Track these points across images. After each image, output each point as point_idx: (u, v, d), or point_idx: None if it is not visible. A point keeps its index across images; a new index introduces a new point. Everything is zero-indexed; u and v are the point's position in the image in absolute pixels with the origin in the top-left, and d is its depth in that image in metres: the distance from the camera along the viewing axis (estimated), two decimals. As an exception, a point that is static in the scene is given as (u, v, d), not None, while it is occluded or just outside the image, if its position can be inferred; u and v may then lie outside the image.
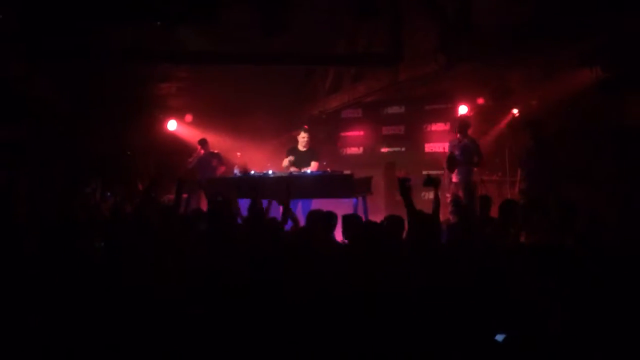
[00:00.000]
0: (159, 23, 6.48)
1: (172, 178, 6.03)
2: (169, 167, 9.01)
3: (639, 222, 5.46)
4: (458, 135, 7.59)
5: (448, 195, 8.72)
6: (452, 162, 7.40)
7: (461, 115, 8.60)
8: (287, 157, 7.67)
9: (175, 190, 4.36)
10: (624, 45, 5.80)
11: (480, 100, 9.42)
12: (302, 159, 7.61)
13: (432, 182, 4.49)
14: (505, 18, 5.89)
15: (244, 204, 5.25)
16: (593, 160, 6.58)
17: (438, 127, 10.00)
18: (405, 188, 3.97)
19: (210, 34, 7.21)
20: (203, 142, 8.98)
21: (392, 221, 3.92)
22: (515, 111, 8.86)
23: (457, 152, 7.42)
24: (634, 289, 2.44)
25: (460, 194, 7.13)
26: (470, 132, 7.62)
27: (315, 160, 7.62)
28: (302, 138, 7.68)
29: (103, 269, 3.19)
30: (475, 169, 8.02)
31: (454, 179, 7.56)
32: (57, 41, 6.19)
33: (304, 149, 7.70)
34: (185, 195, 7.41)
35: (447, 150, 9.75)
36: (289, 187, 4.94)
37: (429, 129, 10.07)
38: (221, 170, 8.86)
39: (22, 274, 2.94)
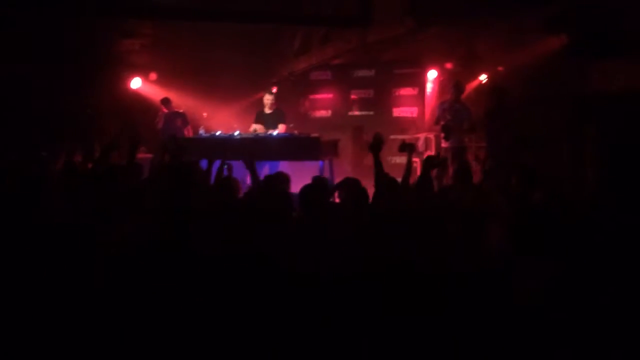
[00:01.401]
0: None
1: (135, 137, 5.87)
2: (132, 126, 8.78)
3: (599, 188, 5.61)
4: (450, 97, 7.30)
5: (415, 160, 8.83)
6: (447, 130, 7.08)
7: (457, 79, 8.22)
8: (255, 122, 7.58)
9: (129, 150, 4.22)
10: (588, 12, 5.83)
11: (449, 65, 9.43)
12: (269, 121, 7.53)
13: (407, 148, 4.49)
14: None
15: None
16: (556, 127, 6.68)
17: (407, 91, 9.96)
18: (376, 146, 3.94)
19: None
20: (166, 101, 8.78)
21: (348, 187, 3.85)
22: (482, 77, 8.93)
23: (448, 116, 7.17)
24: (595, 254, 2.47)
25: (450, 158, 6.85)
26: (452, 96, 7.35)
27: (282, 122, 7.53)
28: (267, 100, 7.59)
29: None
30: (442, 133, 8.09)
31: (444, 143, 7.34)
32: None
33: (270, 111, 7.61)
34: (149, 155, 7.35)
35: (415, 115, 9.87)
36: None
37: (397, 93, 10.02)
38: (186, 130, 8.70)
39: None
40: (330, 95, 10.54)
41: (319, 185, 3.65)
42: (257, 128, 7.51)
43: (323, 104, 10.62)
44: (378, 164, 3.84)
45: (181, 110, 8.93)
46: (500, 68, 8.47)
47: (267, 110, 7.60)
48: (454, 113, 7.11)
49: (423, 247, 2.68)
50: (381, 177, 3.84)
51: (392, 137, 9.06)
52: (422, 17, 6.31)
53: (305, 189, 3.41)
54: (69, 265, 2.65)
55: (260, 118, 7.60)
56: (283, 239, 2.86)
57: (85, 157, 4.91)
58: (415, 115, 9.81)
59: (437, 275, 2.46)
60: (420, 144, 8.91)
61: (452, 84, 7.39)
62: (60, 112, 7.82)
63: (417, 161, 8.78)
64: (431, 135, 8.72)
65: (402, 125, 9.57)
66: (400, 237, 2.83)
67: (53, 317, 2.40)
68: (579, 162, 5.86)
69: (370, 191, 3.72)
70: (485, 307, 2.28)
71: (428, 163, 4.02)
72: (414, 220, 2.97)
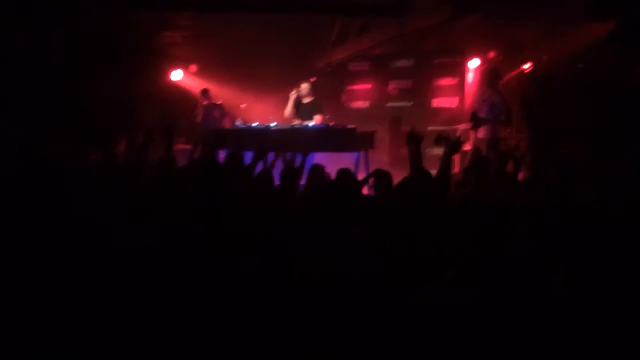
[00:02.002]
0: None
1: (177, 128, 5.95)
2: (173, 117, 8.94)
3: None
4: (487, 87, 7.25)
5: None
6: (475, 121, 7.02)
7: (491, 68, 8.09)
8: (292, 105, 7.54)
9: (165, 142, 4.25)
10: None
11: (492, 54, 9.19)
12: (305, 111, 7.50)
13: (444, 141, 4.35)
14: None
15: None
16: (600, 116, 6.41)
17: (447, 81, 9.79)
18: (414, 140, 3.76)
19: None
20: (205, 92, 8.91)
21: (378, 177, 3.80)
22: (526, 66, 8.66)
23: (485, 108, 7.07)
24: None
25: (484, 150, 6.79)
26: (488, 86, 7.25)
27: (319, 113, 7.49)
28: (304, 89, 7.51)
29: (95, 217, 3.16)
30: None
31: (479, 134, 7.24)
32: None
33: (307, 101, 7.57)
34: (189, 147, 7.47)
35: (455, 105, 9.67)
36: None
37: (437, 83, 9.87)
38: (225, 121, 8.81)
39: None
40: (368, 86, 10.46)
41: (344, 179, 3.59)
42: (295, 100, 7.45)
43: (361, 94, 10.55)
44: (415, 156, 3.67)
45: (219, 102, 9.04)
46: (544, 56, 8.20)
47: (304, 100, 7.56)
48: (490, 105, 7.02)
49: (449, 238, 2.62)
50: (418, 170, 3.72)
51: (430, 128, 8.95)
52: (461, 5, 6.13)
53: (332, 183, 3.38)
54: (103, 257, 2.71)
55: (297, 106, 7.57)
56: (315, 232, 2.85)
57: (126, 149, 5.00)
58: (455, 105, 9.62)
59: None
60: (460, 135, 8.74)
61: (487, 73, 7.26)
62: (102, 104, 8.02)
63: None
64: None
65: (441, 116, 9.42)
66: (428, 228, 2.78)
67: (89, 308, 2.44)
68: (623, 154, 5.59)
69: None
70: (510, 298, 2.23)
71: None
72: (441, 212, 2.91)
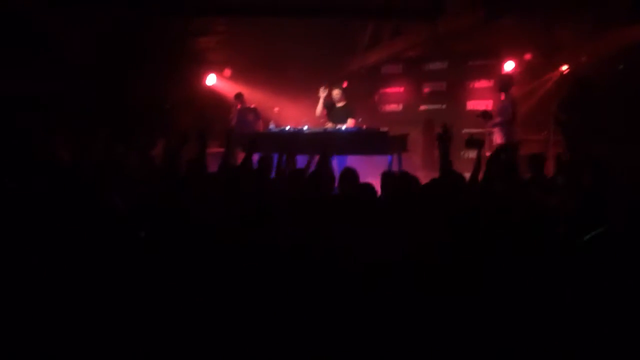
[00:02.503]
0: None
1: (210, 132, 6.04)
2: (207, 121, 9.08)
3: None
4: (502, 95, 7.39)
5: (489, 154, 8.54)
6: (485, 115, 7.33)
7: (504, 73, 8.24)
8: (323, 106, 7.55)
9: (225, 143, 4.33)
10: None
11: (528, 56, 9.02)
12: (337, 115, 7.51)
13: (475, 143, 4.29)
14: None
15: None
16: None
17: (482, 84, 9.64)
18: (444, 139, 3.74)
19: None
20: (239, 96, 9.00)
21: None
22: (564, 68, 8.47)
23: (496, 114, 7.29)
24: None
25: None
26: (513, 90, 7.36)
27: (352, 117, 7.49)
28: (336, 95, 7.53)
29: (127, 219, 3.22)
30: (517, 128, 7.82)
31: (497, 139, 7.36)
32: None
33: (340, 105, 7.58)
34: (222, 150, 7.58)
35: (490, 108, 9.51)
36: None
37: (472, 85, 9.73)
38: (259, 125, 8.88)
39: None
40: (401, 89, 10.40)
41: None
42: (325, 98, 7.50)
43: (394, 97, 10.49)
44: (444, 156, 3.64)
45: (253, 106, 9.12)
46: (583, 58, 8.00)
47: (337, 104, 7.58)
48: (500, 110, 7.36)
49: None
50: (447, 172, 3.69)
51: (465, 130, 8.83)
52: (494, 6, 6.04)
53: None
54: (139, 254, 2.76)
55: (330, 108, 7.59)
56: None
57: (163, 151, 5.12)
58: (490, 108, 9.47)
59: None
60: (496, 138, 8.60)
61: (500, 79, 7.39)
62: (139, 107, 8.20)
63: (488, 155, 8.51)
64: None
65: (477, 118, 9.28)
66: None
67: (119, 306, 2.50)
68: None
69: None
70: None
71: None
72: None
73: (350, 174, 4.21)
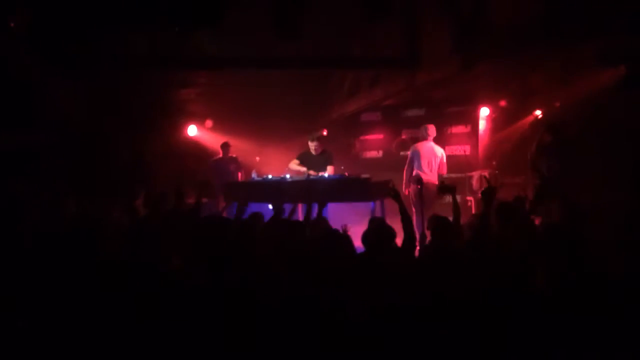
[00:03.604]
0: (177, 29, 6.53)
1: (192, 184, 6.05)
2: (189, 172, 9.07)
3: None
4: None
5: (469, 199, 8.65)
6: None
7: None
8: (298, 160, 7.58)
9: (196, 194, 4.35)
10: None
11: (503, 102, 9.30)
12: (316, 163, 7.53)
13: (447, 190, 4.40)
14: (519, 17, 5.76)
15: (260, 209, 5.25)
16: (615, 163, 6.38)
17: (459, 129, 9.87)
18: (396, 195, 4.11)
19: (226, 40, 7.23)
20: (224, 146, 9.00)
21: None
22: (538, 113, 8.73)
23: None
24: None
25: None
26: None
27: (330, 164, 7.53)
28: (312, 145, 7.57)
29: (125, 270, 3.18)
30: (496, 171, 8.03)
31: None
32: (72, 48, 6.27)
33: (317, 154, 7.62)
34: (204, 200, 7.54)
35: (467, 153, 9.71)
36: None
37: (449, 131, 9.94)
38: (239, 175, 8.88)
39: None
40: (380, 136, 10.57)
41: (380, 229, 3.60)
42: (296, 163, 7.51)
43: (374, 144, 10.65)
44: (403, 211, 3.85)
45: (234, 155, 9.14)
46: (556, 103, 8.27)
47: (314, 153, 7.61)
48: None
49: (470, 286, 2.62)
50: (406, 221, 3.78)
51: (444, 176, 8.96)
52: (470, 56, 6.25)
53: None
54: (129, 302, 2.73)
55: (306, 159, 7.61)
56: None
57: (145, 203, 5.08)
58: (468, 153, 9.67)
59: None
60: (475, 182, 8.74)
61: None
62: (120, 159, 8.17)
63: (471, 200, 8.61)
64: (485, 173, 8.53)
65: (455, 163, 9.44)
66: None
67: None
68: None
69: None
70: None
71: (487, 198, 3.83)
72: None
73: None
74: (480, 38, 6.08)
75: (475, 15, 6.11)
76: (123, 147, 8.33)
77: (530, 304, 2.46)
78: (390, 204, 7.74)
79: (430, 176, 7.20)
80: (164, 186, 6.26)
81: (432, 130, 7.44)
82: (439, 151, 7.37)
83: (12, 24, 5.50)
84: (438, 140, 9.86)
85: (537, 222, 4.59)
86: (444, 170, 7.32)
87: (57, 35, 6.06)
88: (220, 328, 2.52)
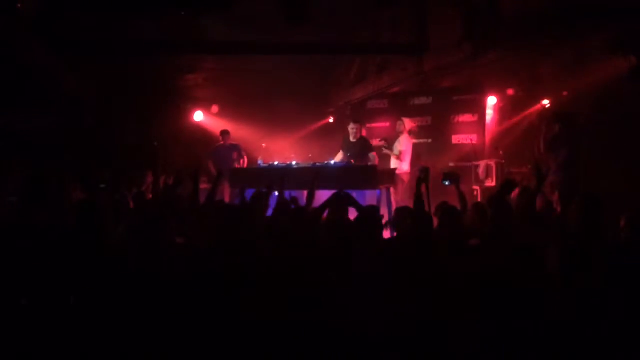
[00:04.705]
0: (182, 13, 6.50)
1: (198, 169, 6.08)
2: (195, 158, 9.06)
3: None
4: None
5: (475, 187, 8.63)
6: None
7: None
8: (341, 149, 7.70)
9: (192, 180, 4.37)
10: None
11: (510, 91, 9.23)
12: (353, 149, 7.60)
13: (449, 178, 4.38)
14: (530, 4, 5.69)
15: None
16: (625, 153, 6.34)
17: (466, 118, 9.79)
18: (420, 179, 3.93)
19: (234, 24, 7.20)
20: (224, 133, 8.98)
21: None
22: (545, 102, 8.67)
23: None
24: None
25: None
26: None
27: (371, 151, 7.57)
28: (352, 129, 7.66)
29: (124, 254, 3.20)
30: (503, 161, 8.03)
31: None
32: (80, 33, 6.25)
33: (354, 140, 7.67)
34: (206, 186, 7.57)
35: (474, 141, 9.67)
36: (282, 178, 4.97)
37: (456, 120, 9.88)
38: (242, 162, 8.86)
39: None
40: (387, 124, 10.51)
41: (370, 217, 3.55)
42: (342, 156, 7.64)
43: (380, 132, 10.59)
44: (418, 196, 3.74)
45: (235, 143, 9.11)
46: (564, 93, 8.20)
47: (352, 139, 7.67)
48: None
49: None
50: (418, 209, 3.72)
51: (451, 164, 8.94)
52: (480, 43, 6.19)
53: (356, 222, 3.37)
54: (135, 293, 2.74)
55: (345, 145, 7.71)
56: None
57: (152, 187, 5.11)
58: (475, 142, 9.62)
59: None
60: (481, 171, 8.70)
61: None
62: (128, 145, 8.19)
63: (477, 189, 8.59)
64: (492, 162, 8.50)
65: (462, 152, 9.40)
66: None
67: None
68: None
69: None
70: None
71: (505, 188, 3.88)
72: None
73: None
74: (491, 26, 6.02)
75: (486, 3, 6.04)
76: (130, 133, 8.33)
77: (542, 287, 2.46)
78: (397, 192, 7.79)
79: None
80: (170, 172, 6.27)
81: (408, 123, 8.27)
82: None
83: (18, 5, 5.46)
84: (445, 129, 9.93)
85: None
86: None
87: (65, 19, 6.04)
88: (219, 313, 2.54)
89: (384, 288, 2.64)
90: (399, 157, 8.07)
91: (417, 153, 9.82)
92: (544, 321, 2.30)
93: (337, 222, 3.32)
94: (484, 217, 3.76)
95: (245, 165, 8.70)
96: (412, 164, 8.38)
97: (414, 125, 9.98)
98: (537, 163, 3.91)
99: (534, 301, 2.39)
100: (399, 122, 8.26)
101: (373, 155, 7.48)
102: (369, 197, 6.97)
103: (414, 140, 8.65)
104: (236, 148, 8.98)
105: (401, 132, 8.20)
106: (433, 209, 3.88)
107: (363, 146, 7.54)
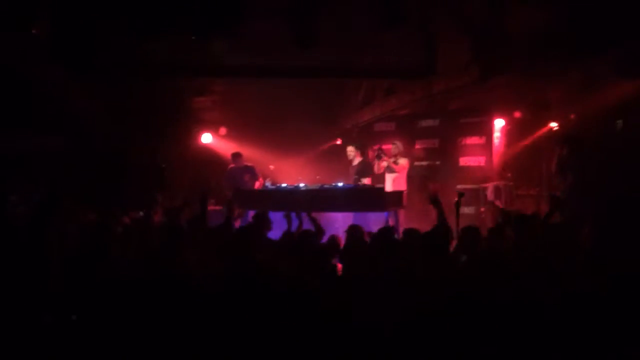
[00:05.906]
0: (193, 37, 6.60)
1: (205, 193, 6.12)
2: (202, 179, 9.09)
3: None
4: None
5: (483, 210, 8.61)
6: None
7: None
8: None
9: (200, 203, 4.39)
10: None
11: (518, 114, 9.24)
12: (356, 173, 7.68)
13: (433, 201, 4.44)
14: (537, 27, 5.74)
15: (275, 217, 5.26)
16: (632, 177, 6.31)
17: (473, 140, 9.80)
18: (435, 200, 4.14)
19: (243, 48, 7.29)
20: (235, 156, 8.98)
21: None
22: (553, 125, 8.66)
23: None
24: None
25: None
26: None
27: (368, 175, 7.61)
28: (348, 153, 7.72)
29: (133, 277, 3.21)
30: (511, 183, 8.00)
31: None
32: (93, 55, 6.36)
33: (355, 164, 7.72)
34: (219, 208, 7.59)
35: (482, 164, 9.67)
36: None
37: (464, 142, 9.88)
38: (255, 184, 8.87)
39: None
40: (394, 146, 10.52)
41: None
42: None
43: (388, 154, 10.60)
44: (441, 214, 4.05)
45: (250, 164, 9.12)
46: (572, 115, 8.20)
47: (354, 162, 7.72)
48: None
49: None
50: (442, 225, 3.97)
51: (459, 186, 8.91)
52: (488, 66, 6.24)
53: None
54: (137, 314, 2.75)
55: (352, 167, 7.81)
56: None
57: (163, 211, 5.14)
58: (482, 164, 9.60)
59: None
60: (490, 193, 8.68)
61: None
62: (135, 166, 8.23)
63: (483, 211, 8.57)
64: (500, 184, 8.47)
65: (470, 174, 9.39)
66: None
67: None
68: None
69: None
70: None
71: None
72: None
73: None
74: (498, 49, 6.06)
75: (493, 26, 6.10)
76: (140, 154, 8.39)
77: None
78: (405, 214, 7.76)
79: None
80: (178, 194, 6.31)
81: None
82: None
83: (34, 31, 5.59)
84: (452, 151, 9.93)
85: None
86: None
87: (78, 42, 6.15)
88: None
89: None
90: (396, 169, 7.86)
91: (425, 176, 9.85)
92: None
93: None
94: None
95: (260, 187, 8.70)
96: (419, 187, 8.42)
97: (420, 147, 10.03)
98: (552, 193, 3.96)
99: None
100: (393, 146, 8.04)
101: (366, 179, 7.48)
102: (376, 220, 6.98)
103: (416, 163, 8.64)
104: (249, 170, 8.95)
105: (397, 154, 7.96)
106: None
107: (360, 170, 7.56)
